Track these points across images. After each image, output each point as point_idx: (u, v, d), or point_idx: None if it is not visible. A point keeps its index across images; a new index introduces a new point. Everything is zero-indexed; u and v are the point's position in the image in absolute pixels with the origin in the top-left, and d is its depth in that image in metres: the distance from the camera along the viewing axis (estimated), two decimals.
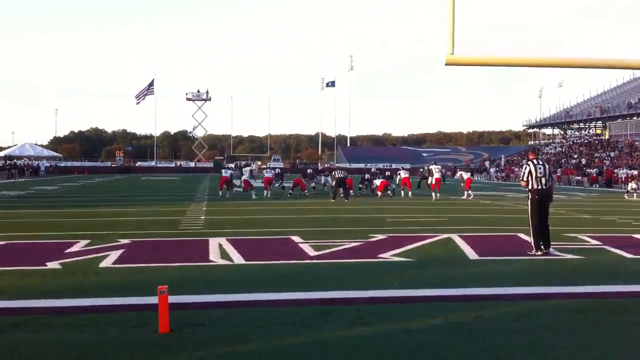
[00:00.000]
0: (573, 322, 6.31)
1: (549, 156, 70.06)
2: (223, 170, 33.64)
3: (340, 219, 17.17)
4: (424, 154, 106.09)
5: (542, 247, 10.82)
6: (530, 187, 11.00)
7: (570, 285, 8.16)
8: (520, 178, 11.48)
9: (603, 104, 77.49)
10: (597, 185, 46.71)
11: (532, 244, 10.94)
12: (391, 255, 10.49)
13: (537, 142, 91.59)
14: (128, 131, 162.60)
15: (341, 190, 25.91)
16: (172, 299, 6.31)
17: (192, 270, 9.12)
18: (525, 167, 11.21)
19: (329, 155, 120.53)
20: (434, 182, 27.80)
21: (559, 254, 10.94)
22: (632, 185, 31.00)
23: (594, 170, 52.31)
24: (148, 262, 9.71)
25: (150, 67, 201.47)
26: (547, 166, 11.23)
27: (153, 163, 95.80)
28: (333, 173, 27.68)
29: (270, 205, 22.78)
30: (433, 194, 27.41)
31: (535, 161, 11.11)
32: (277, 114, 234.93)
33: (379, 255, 10.46)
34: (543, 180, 10.92)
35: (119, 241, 12.00)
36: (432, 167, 29.18)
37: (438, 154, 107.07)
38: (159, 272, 8.85)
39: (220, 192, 29.13)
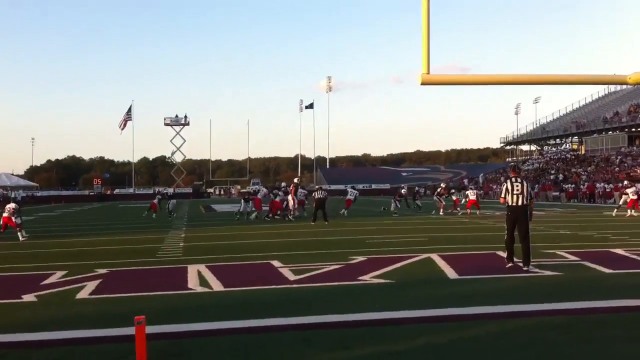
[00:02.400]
0: (555, 339, 6.31)
1: (526, 172, 70.68)
2: (157, 197, 37.08)
3: (320, 242, 17.11)
4: (404, 174, 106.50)
5: (514, 261, 11.31)
6: (508, 203, 11.39)
7: (550, 302, 8.17)
8: (500, 196, 11.86)
9: (579, 120, 78.48)
10: (575, 200, 47.14)
11: (506, 257, 11.48)
12: (371, 277, 10.45)
13: (514, 158, 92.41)
14: (106, 158, 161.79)
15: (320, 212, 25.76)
16: (150, 329, 6.20)
17: (171, 299, 9.00)
18: (503, 185, 11.67)
19: (308, 177, 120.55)
20: (469, 200, 31.20)
21: (538, 270, 10.98)
22: (623, 199, 30.88)
23: (571, 185, 52.83)
24: (126, 292, 9.57)
25: (128, 92, 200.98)
26: (525, 184, 11.48)
27: (131, 190, 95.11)
28: (313, 194, 27.50)
29: (249, 229, 22.64)
30: (469, 211, 30.75)
31: (513, 179, 11.47)
32: (256, 137, 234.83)
33: (359, 278, 10.41)
34: (520, 197, 11.25)
35: (97, 271, 11.83)
36: (468, 192, 32.89)
37: (417, 173, 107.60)
38: (137, 302, 8.73)
39: (154, 215, 32.44)
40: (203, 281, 10.39)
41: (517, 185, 11.32)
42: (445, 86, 10.65)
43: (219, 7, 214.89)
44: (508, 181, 11.53)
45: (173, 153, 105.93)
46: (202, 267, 11.90)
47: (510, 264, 11.29)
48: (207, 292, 9.54)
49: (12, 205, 21.28)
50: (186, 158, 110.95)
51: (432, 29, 7.76)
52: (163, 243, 17.53)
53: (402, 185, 49.35)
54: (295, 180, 31.18)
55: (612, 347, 6.01)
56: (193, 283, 10.28)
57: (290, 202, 28.63)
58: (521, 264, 11.25)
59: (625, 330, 6.57)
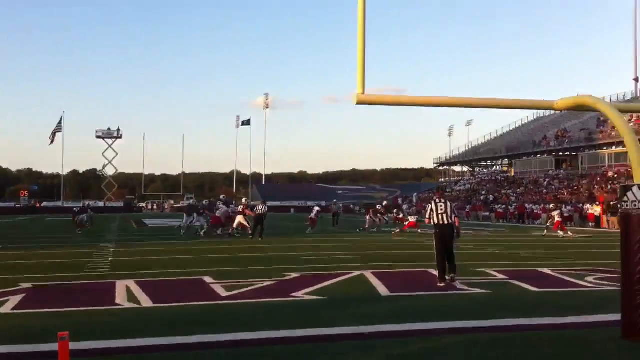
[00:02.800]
0: (481, 356, 6.41)
1: (458, 193, 72.14)
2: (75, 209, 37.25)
3: (254, 258, 17.00)
4: (339, 192, 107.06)
5: (446, 277, 11.77)
6: (433, 222, 12.08)
7: (478, 319, 8.32)
8: (426, 216, 12.60)
9: (509, 143, 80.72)
10: (504, 221, 48.36)
11: (437, 277, 11.84)
12: (304, 294, 10.43)
13: (447, 179, 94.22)
14: (34, 170, 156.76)
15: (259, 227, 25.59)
16: (75, 345, 6.01)
17: (97, 315, 8.73)
18: (429, 206, 12.49)
19: (244, 194, 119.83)
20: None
21: (467, 288, 11.19)
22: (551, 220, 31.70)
23: (501, 206, 54.21)
24: (50, 307, 9.25)
25: (59, 104, 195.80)
26: (449, 204, 12.24)
27: (60, 203, 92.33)
28: (254, 209, 27.21)
29: (182, 245, 22.29)
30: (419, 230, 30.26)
31: (437, 200, 12.27)
32: (192, 152, 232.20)
33: (292, 294, 10.37)
34: (444, 216, 11.96)
35: (21, 285, 11.40)
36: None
37: (353, 192, 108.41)
38: (62, 318, 8.45)
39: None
40: (131, 297, 10.15)
41: (441, 205, 12.04)
42: (381, 107, 10.81)
43: (154, 18, 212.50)
44: (432, 202, 12.31)
45: (104, 166, 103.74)
46: (131, 283, 11.63)
47: (442, 284, 11.58)
48: (135, 308, 9.32)
49: None
50: (118, 171, 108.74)
51: (369, 51, 7.90)
52: (92, 258, 17.06)
53: (381, 199, 49.95)
54: (244, 200, 30.88)
55: None
56: (121, 299, 10.03)
57: (241, 220, 28.10)
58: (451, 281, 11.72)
59: (549, 348, 6.73)
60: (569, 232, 29.52)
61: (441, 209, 12.01)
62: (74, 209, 38.70)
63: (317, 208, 34.48)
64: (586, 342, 6.96)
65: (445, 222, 11.96)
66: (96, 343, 6.89)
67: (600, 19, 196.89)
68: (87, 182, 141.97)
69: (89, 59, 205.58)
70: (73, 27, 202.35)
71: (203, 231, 27.96)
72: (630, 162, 7.38)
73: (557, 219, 29.92)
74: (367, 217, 34.42)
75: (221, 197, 33.74)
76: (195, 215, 29.15)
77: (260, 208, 26.17)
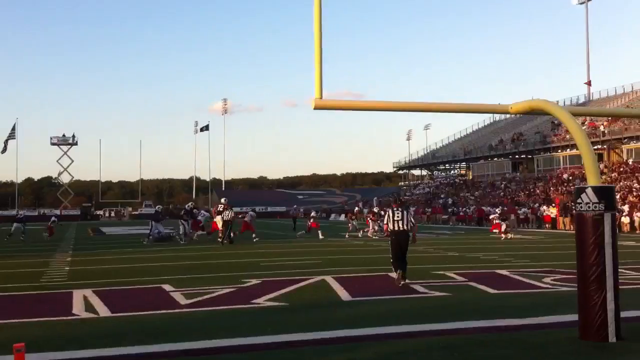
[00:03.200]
0: (441, 359, 6.46)
1: (418, 196, 72.80)
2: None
3: (214, 265, 16.86)
4: (299, 197, 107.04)
5: (401, 271, 12.47)
6: (390, 228, 13.00)
7: (438, 322, 8.38)
8: (384, 222, 13.60)
9: (466, 146, 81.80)
10: (463, 224, 48.91)
11: (395, 278, 12.51)
12: (265, 300, 10.38)
13: (406, 182, 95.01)
14: None
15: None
16: (31, 357, 5.87)
17: (54, 326, 8.55)
18: (386, 213, 13.58)
19: (204, 200, 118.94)
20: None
21: (427, 291, 11.29)
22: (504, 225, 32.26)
23: (461, 209, 54.83)
24: (5, 318, 9.02)
25: (12, 110, 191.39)
26: (405, 212, 13.10)
27: (14, 212, 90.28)
28: (222, 215, 26.98)
29: (142, 252, 22.00)
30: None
31: (394, 209, 13.11)
32: (149, 158, 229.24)
33: (253, 301, 10.31)
34: (400, 224, 12.81)
35: None
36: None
37: (313, 196, 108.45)
38: (17, 329, 8.25)
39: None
40: (89, 306, 9.97)
41: (398, 214, 12.89)
42: (341, 111, 10.85)
43: (110, 21, 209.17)
44: (390, 210, 13.25)
45: (60, 174, 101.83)
46: (89, 292, 11.41)
47: (402, 282, 12.20)
48: (93, 317, 9.15)
49: None
50: (74, 179, 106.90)
51: (327, 56, 7.94)
52: (48, 267, 16.71)
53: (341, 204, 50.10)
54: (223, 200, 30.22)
55: None
56: (78, 309, 9.84)
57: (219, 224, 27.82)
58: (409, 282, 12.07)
59: (507, 350, 6.81)
60: (510, 235, 29.91)
61: (397, 217, 12.85)
62: (53, 218, 38.96)
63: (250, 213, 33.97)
64: (544, 343, 7.06)
65: (401, 229, 12.80)
66: (53, 354, 6.75)
67: (554, 25, 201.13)
68: (42, 190, 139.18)
69: (43, 64, 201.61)
70: (24, 32, 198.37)
71: (183, 236, 27.85)
72: (584, 164, 7.53)
73: (495, 221, 30.97)
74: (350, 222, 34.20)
75: (189, 204, 33.34)
76: (153, 223, 28.70)
77: (227, 214, 26.02)
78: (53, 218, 38.34)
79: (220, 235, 26.35)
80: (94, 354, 6.79)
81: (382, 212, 35.82)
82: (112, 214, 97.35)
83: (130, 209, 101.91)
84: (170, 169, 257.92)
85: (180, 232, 28.24)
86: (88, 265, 17.59)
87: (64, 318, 9.12)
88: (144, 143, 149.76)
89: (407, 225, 12.84)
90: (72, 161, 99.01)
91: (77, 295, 11.07)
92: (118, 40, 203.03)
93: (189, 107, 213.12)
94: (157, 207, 33.10)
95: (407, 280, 12.29)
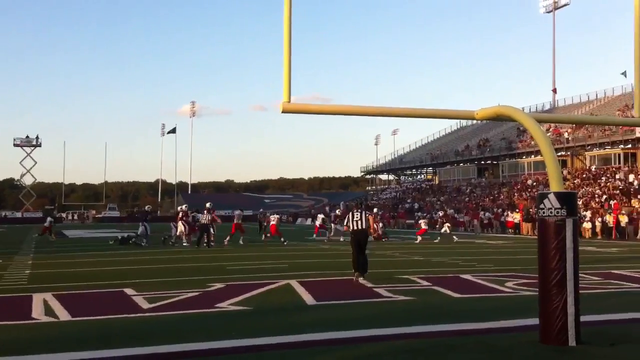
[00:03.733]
0: None
1: (385, 201, 73.12)
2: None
3: (178, 269, 16.70)
4: (267, 200, 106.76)
5: (359, 271, 13.78)
6: (350, 228, 14.45)
7: (402, 326, 8.41)
8: (345, 223, 15.49)
9: (433, 151, 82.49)
10: (430, 228, 49.14)
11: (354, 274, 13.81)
12: (229, 304, 10.30)
13: (374, 187, 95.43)
14: None
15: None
16: None
17: (12, 330, 8.36)
18: (347, 216, 15.03)
19: (169, 203, 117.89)
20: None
21: (392, 295, 11.32)
22: (446, 227, 32.86)
23: (427, 214, 55.20)
24: None
25: None
26: (363, 214, 14.62)
27: None
28: (199, 218, 27.14)
29: (103, 257, 21.68)
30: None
31: (355, 211, 14.72)
32: (114, 161, 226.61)
33: (217, 305, 10.23)
34: (359, 223, 14.30)
35: None
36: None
37: (280, 200, 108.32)
38: None
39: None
40: (49, 310, 9.77)
41: (357, 215, 14.40)
42: (308, 115, 10.84)
43: (77, 23, 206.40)
44: (351, 213, 14.81)
45: (22, 175, 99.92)
46: (49, 296, 11.19)
47: (360, 278, 13.58)
48: (53, 322, 8.97)
49: None
50: (37, 181, 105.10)
51: (296, 60, 7.91)
52: (6, 270, 16.35)
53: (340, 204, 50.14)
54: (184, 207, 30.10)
55: None
56: (38, 312, 9.65)
57: (181, 228, 27.85)
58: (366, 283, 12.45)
59: (470, 354, 6.86)
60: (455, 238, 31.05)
61: (357, 218, 14.35)
62: (49, 218, 38.34)
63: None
64: (506, 347, 7.13)
65: (360, 228, 14.29)
66: (11, 359, 6.59)
67: (522, 33, 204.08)
68: (3, 192, 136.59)
69: (6, 64, 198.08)
70: None
71: (172, 240, 27.95)
72: (547, 170, 7.63)
73: (423, 226, 32.06)
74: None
75: (146, 207, 33.01)
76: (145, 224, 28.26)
77: (204, 218, 26.26)
78: (49, 219, 37.71)
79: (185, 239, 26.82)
80: (54, 359, 6.65)
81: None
82: (76, 217, 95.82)
83: (94, 212, 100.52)
84: (136, 171, 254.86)
85: (139, 233, 28.12)
86: (49, 268, 17.28)
87: (23, 322, 8.92)
88: (109, 145, 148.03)
89: (364, 225, 14.36)
90: (36, 163, 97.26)
91: (37, 299, 10.85)
92: (84, 42, 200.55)
93: (156, 109, 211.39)
94: (146, 207, 32.29)
95: (364, 281, 13.16)
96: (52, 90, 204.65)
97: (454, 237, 31.57)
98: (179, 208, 28.91)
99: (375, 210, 38.23)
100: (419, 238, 30.48)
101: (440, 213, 36.43)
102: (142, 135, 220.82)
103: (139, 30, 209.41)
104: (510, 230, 41.23)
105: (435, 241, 30.25)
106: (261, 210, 45.37)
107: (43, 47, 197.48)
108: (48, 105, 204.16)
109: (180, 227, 27.81)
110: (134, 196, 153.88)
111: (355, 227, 14.34)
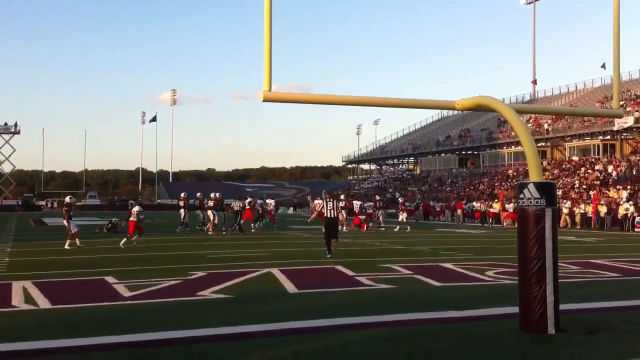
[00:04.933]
0: (385, 350, 6.52)
1: (366, 190, 73.29)
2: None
3: (159, 257, 16.65)
4: (248, 189, 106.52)
5: (331, 251, 16.49)
6: (325, 215, 17.07)
7: (383, 314, 8.46)
8: (318, 210, 19.45)
9: (414, 141, 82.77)
10: (412, 218, 49.34)
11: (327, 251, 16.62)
12: (210, 293, 10.30)
13: (355, 177, 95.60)
14: None
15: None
16: None
17: None
18: (322, 204, 18.45)
19: (150, 191, 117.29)
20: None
21: (373, 284, 11.37)
22: (402, 217, 33.02)
23: (411, 203, 55.35)
24: None
25: None
26: (335, 202, 17.57)
27: None
28: (231, 205, 28.42)
29: (85, 244, 21.52)
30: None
31: (328, 199, 17.81)
32: (94, 148, 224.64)
33: (198, 293, 10.21)
34: (332, 211, 17.02)
35: None
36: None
37: (262, 189, 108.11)
38: None
39: None
40: (28, 298, 9.71)
41: (330, 204, 17.17)
42: (290, 105, 10.82)
43: (54, 6, 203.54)
44: (324, 201, 17.91)
45: (1, 163, 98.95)
46: (29, 284, 11.10)
47: (329, 255, 16.34)
48: (33, 309, 8.91)
49: None
50: (16, 168, 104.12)
51: (277, 49, 7.87)
52: None
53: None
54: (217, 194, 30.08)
55: (435, 358, 6.30)
56: (17, 300, 9.58)
57: (210, 216, 27.90)
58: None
59: (449, 341, 6.92)
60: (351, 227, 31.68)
61: (330, 206, 17.03)
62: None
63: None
64: (486, 335, 7.20)
65: (331, 216, 16.94)
66: None
67: (503, 24, 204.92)
68: None
69: None
70: None
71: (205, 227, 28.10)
72: (527, 160, 7.68)
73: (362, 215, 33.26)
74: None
75: (131, 201, 33.09)
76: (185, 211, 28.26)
77: (237, 204, 28.13)
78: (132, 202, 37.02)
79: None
80: (33, 346, 6.61)
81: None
82: (55, 205, 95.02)
83: (74, 199, 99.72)
84: (116, 160, 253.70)
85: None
86: (28, 256, 17.15)
87: (2, 309, 8.85)
88: (88, 133, 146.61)
89: (336, 212, 17.19)
90: (14, 150, 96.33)
91: (17, 287, 10.76)
92: (64, 28, 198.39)
93: (137, 97, 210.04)
94: (182, 194, 30.83)
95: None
96: (31, 76, 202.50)
97: (408, 227, 31.84)
98: (211, 195, 28.51)
99: (377, 197, 38.46)
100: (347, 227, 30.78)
101: (400, 200, 36.16)
102: (123, 123, 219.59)
103: (119, 17, 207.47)
104: (490, 220, 41.41)
105: (395, 230, 30.87)
106: (262, 199, 45.34)
107: (22, 33, 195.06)
108: (27, 92, 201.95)
109: (210, 215, 27.73)
110: (114, 184, 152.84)
111: (328, 215, 16.92)
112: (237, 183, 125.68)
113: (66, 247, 19.26)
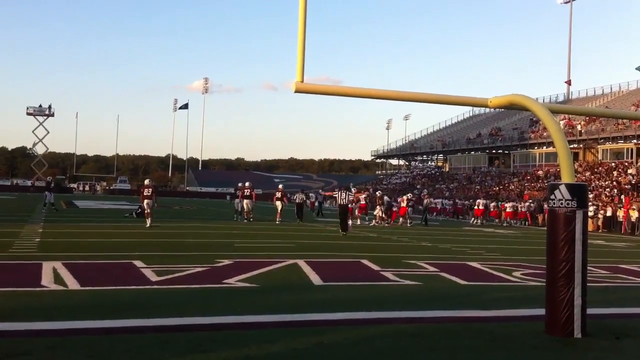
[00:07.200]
0: (408, 346, 6.51)
1: (394, 185, 73.06)
2: None
3: (187, 244, 16.80)
4: (276, 180, 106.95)
5: (344, 231, 22.00)
6: (338, 203, 23.42)
7: (407, 310, 8.45)
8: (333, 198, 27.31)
9: (444, 138, 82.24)
10: (442, 215, 49.13)
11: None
12: (236, 281, 10.37)
13: (384, 171, 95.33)
14: None
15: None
16: None
17: (21, 297, 8.46)
18: (336, 194, 25.10)
19: (179, 178, 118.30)
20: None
21: (398, 279, 11.35)
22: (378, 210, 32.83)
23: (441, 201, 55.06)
24: None
25: None
26: (346, 193, 23.93)
27: None
28: (294, 197, 31.05)
29: (115, 228, 21.85)
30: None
31: (341, 190, 24.23)
32: (126, 133, 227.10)
33: (224, 281, 10.30)
34: (343, 200, 23.16)
35: None
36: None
37: (290, 180, 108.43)
38: None
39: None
40: (58, 279, 9.87)
41: (343, 194, 23.62)
42: (320, 97, 10.80)
43: None
44: (339, 192, 24.28)
45: (35, 144, 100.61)
46: (59, 264, 11.30)
47: (343, 233, 21.86)
48: (62, 290, 9.07)
49: None
50: (49, 150, 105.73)
51: (309, 40, 7.85)
52: (18, 237, 16.52)
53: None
54: (280, 186, 31.89)
55: (458, 356, 6.27)
56: (47, 280, 9.74)
57: (247, 206, 28.34)
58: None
59: (471, 340, 6.88)
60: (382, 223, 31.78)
61: (343, 197, 23.28)
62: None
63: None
64: (510, 335, 7.14)
65: (343, 203, 23.03)
66: (19, 325, 6.68)
67: (539, 23, 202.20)
68: (15, 160, 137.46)
69: (21, 33, 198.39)
70: (2, 2, 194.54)
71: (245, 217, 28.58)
72: (559, 161, 7.59)
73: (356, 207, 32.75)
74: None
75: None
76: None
77: (299, 196, 32.13)
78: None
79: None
80: (61, 326, 6.74)
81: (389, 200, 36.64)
82: (87, 188, 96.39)
83: (104, 183, 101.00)
84: (147, 145, 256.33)
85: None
86: (59, 237, 17.43)
87: (33, 289, 9.02)
88: (121, 118, 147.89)
89: (346, 200, 23.28)
90: (48, 132, 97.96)
91: (47, 267, 10.96)
92: (100, 15, 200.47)
93: (169, 84, 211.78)
94: (247, 183, 31.14)
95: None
96: (66, 60, 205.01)
97: (385, 223, 31.96)
98: (279, 186, 30.91)
99: (409, 195, 37.60)
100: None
101: (378, 193, 35.39)
102: (154, 109, 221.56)
103: (155, 4, 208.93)
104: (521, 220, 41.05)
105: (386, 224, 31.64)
106: (319, 191, 46.02)
107: (59, 17, 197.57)
108: (62, 76, 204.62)
109: (246, 205, 28.25)
110: (144, 170, 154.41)
111: (340, 202, 23.13)
112: (265, 173, 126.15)
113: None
